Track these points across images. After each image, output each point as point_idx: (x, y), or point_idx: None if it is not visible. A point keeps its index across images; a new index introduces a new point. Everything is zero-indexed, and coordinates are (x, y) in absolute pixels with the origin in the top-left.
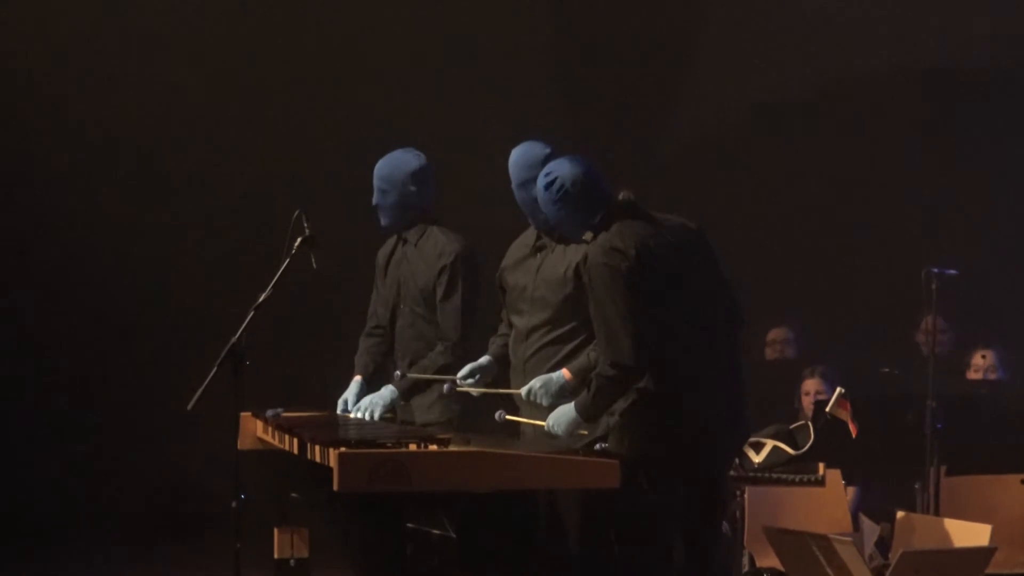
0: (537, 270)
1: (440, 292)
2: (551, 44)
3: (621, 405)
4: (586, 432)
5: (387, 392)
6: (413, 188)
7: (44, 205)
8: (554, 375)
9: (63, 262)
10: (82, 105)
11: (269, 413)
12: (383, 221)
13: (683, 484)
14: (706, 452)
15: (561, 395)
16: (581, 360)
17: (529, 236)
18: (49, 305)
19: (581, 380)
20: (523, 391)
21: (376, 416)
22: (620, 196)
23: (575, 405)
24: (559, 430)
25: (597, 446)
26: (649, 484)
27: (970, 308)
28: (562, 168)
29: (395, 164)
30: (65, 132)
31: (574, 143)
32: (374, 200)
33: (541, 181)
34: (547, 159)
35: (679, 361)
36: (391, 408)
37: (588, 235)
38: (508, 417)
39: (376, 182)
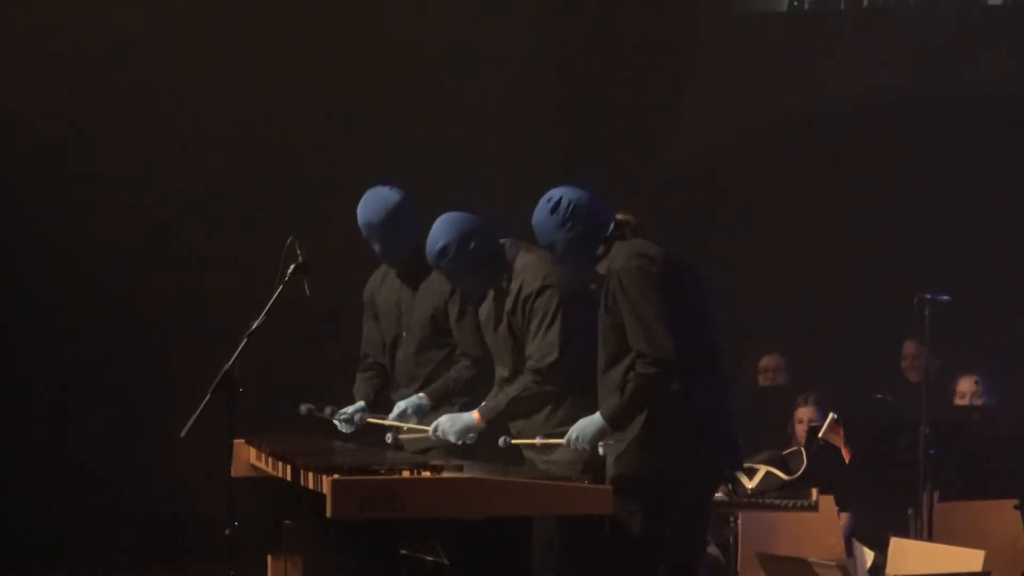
0: (494, 327)
1: (454, 313)
2: (544, 69)
3: (639, 420)
4: (612, 442)
5: (418, 399)
6: (408, 222)
7: (41, 235)
8: (464, 415)
9: (57, 287)
10: (76, 142)
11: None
12: (393, 265)
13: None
14: (715, 466)
15: (465, 434)
16: (490, 404)
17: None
18: (41, 330)
19: (488, 423)
20: (431, 429)
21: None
22: (620, 217)
23: (602, 413)
24: (585, 442)
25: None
26: (674, 504)
27: (953, 334)
28: (564, 191)
29: (379, 207)
30: (55, 173)
31: (568, 169)
32: (377, 250)
33: (544, 207)
34: (455, 224)
35: (695, 371)
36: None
37: (601, 248)
38: (513, 441)
39: (370, 231)
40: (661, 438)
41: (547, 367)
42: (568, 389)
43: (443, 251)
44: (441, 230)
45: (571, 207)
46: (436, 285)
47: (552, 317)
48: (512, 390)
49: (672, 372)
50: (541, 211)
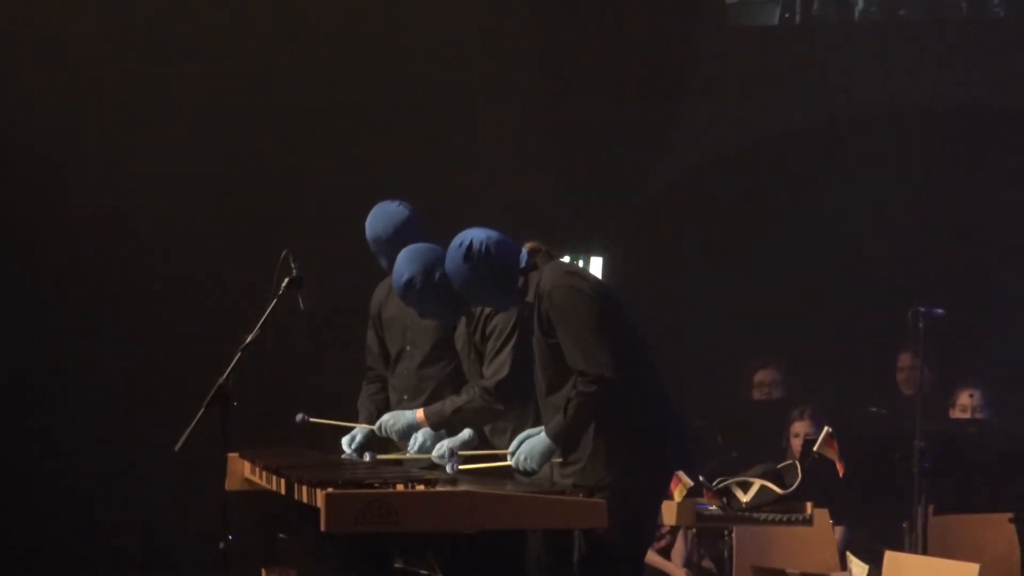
0: (467, 352)
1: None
2: (539, 84)
3: (588, 436)
4: (559, 460)
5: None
6: (416, 237)
7: (35, 246)
8: (407, 413)
9: (51, 301)
10: (69, 153)
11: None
12: None
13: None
14: (669, 468)
15: (407, 433)
16: (436, 407)
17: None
18: (35, 342)
19: (431, 424)
20: (376, 425)
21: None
22: (530, 246)
23: (547, 432)
24: (532, 464)
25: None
26: (640, 512)
27: (950, 347)
28: (473, 233)
29: (387, 222)
30: (47, 191)
31: (563, 182)
32: (384, 265)
33: (457, 253)
34: (418, 256)
35: (636, 382)
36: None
37: (520, 281)
38: (460, 467)
39: (378, 246)
40: (615, 448)
41: (495, 385)
42: (524, 405)
43: (409, 283)
44: (405, 263)
45: (483, 248)
46: None
47: (507, 336)
48: (459, 399)
49: (612, 388)
50: (454, 258)
